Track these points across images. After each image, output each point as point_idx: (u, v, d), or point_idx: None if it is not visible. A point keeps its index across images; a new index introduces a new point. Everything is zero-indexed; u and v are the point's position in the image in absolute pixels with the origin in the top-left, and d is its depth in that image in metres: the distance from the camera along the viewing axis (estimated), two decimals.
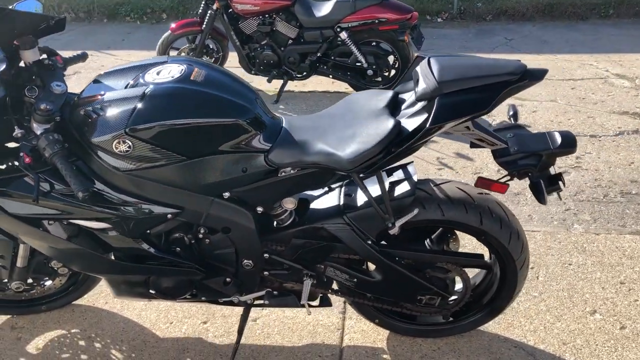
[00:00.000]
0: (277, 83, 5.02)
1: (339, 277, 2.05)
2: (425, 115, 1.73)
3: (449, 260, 2.04)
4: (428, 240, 2.11)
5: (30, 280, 2.27)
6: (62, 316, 2.45)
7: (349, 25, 4.61)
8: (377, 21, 4.55)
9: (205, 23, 4.97)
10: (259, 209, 1.93)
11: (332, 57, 4.83)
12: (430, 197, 1.96)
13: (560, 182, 1.90)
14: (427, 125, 1.70)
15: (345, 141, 1.80)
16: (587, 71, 5.51)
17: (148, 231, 1.92)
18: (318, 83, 5.30)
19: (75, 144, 1.80)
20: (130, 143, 1.70)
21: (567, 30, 7.09)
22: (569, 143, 1.83)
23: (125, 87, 1.81)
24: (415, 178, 1.98)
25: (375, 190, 1.92)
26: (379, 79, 4.84)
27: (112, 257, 1.95)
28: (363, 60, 4.70)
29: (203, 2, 4.95)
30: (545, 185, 1.87)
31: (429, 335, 2.29)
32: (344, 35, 4.62)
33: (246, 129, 1.79)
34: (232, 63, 5.25)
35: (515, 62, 1.75)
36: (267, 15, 4.75)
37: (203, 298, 2.09)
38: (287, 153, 1.83)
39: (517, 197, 3.36)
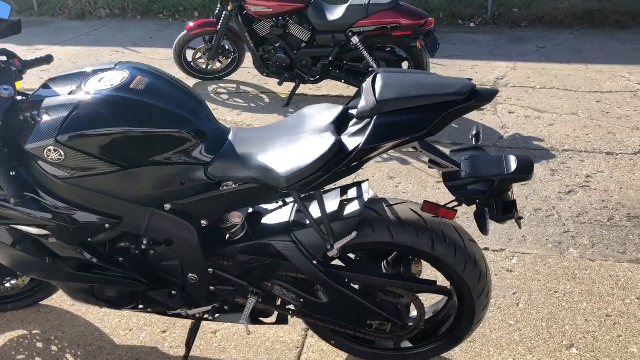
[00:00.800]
0: (291, 86, 4.96)
1: (286, 296, 1.98)
2: (363, 135, 1.65)
3: (398, 285, 1.94)
4: (385, 262, 2.02)
5: None
6: (27, 316, 2.46)
7: (361, 30, 4.51)
8: (389, 26, 4.44)
9: (220, 24, 4.97)
10: (203, 223, 1.88)
11: (345, 62, 4.74)
12: (380, 219, 1.86)
13: (515, 211, 1.78)
14: (360, 146, 1.61)
15: (285, 157, 1.73)
16: (618, 84, 5.25)
17: (89, 239, 1.90)
18: (333, 87, 5.22)
19: (18, 149, 1.79)
20: (61, 152, 1.68)
21: (606, 39, 6.77)
22: (523, 169, 1.71)
23: (69, 94, 1.79)
24: (366, 197, 1.89)
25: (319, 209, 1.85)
26: None
27: (56, 264, 1.93)
28: (375, 66, 4.59)
29: (219, 3, 4.95)
30: (497, 213, 1.76)
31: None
32: (355, 39, 4.52)
33: (184, 140, 1.74)
34: (249, 64, 5.23)
35: (463, 81, 1.64)
36: (280, 18, 4.71)
37: (149, 310, 2.05)
38: (228, 167, 1.77)
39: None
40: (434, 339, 2.13)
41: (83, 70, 1.89)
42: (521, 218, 1.87)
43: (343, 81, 4.83)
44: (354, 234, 1.79)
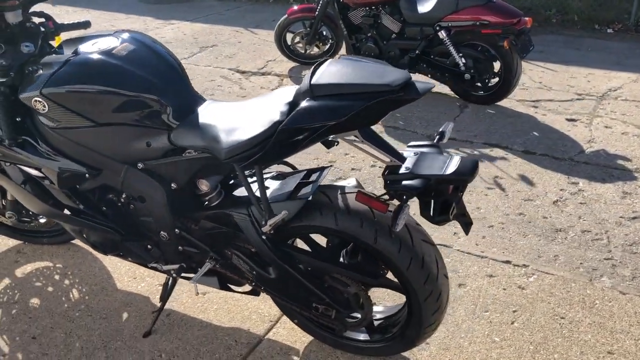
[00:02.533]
0: None
1: (242, 266, 2.06)
2: None
3: (342, 273, 1.93)
4: (344, 251, 2.01)
5: (24, 213, 2.63)
6: (57, 251, 2.79)
7: (449, 25, 4.38)
8: (477, 23, 4.26)
9: (318, 10, 5.09)
10: (173, 185, 2.01)
11: (432, 56, 4.64)
12: (329, 204, 1.87)
13: (458, 215, 1.70)
14: (279, 127, 1.63)
15: (233, 131, 1.80)
16: None
17: (78, 187, 2.12)
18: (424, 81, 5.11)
19: None
20: (45, 103, 1.90)
21: None
22: (462, 171, 1.63)
23: (68, 54, 2.01)
24: (320, 182, 1.90)
25: (274, 185, 1.90)
26: (479, 84, 4.54)
27: (52, 205, 2.18)
28: (461, 63, 4.44)
29: None
30: (432, 213, 1.69)
31: (344, 348, 2.19)
32: (442, 34, 4.41)
33: (151, 104, 1.88)
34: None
35: (399, 72, 1.60)
36: (373, 7, 4.71)
37: (129, 259, 2.24)
38: (188, 135, 1.88)
39: (557, 234, 2.98)
40: (389, 337, 2.09)
41: (88, 35, 2.10)
42: (470, 223, 1.77)
43: (429, 76, 4.73)
44: (284, 213, 1.82)
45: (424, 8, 4.49)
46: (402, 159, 1.73)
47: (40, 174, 2.12)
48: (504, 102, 4.67)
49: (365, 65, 1.68)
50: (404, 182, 1.66)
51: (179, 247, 2.12)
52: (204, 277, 2.18)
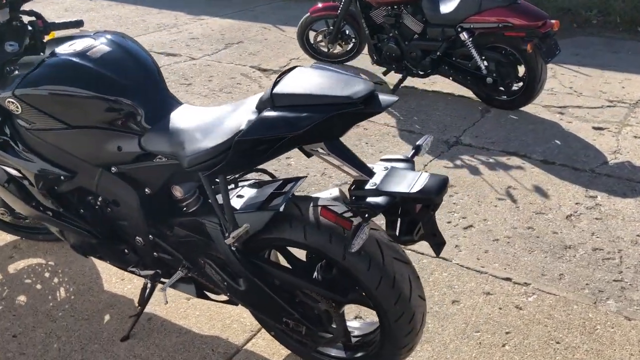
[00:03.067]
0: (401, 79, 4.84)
1: (214, 276, 2.01)
2: None
3: (309, 288, 1.85)
4: (319, 266, 1.94)
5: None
6: (51, 248, 2.81)
7: (472, 26, 4.23)
8: (500, 25, 4.10)
9: (340, 8, 5.00)
10: (147, 191, 1.97)
11: (454, 58, 4.49)
12: (299, 217, 1.80)
13: (428, 235, 1.61)
14: (236, 138, 1.56)
15: (200, 138, 1.75)
16: None
17: (55, 188, 2.10)
18: (448, 84, 4.97)
19: None
20: (17, 105, 1.89)
21: None
22: (428, 190, 1.53)
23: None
24: (292, 193, 1.83)
25: (248, 193, 1.84)
26: (502, 89, 4.37)
27: (33, 207, 2.18)
28: (482, 66, 4.29)
29: None
30: (397, 232, 1.60)
31: None
32: (464, 36, 4.26)
33: (121, 108, 1.84)
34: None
35: (363, 84, 1.51)
36: (395, 7, 4.59)
37: (108, 262, 2.22)
38: (156, 140, 1.84)
39: (565, 251, 2.82)
40: (364, 355, 2.00)
41: (70, 35, 2.07)
42: (442, 244, 1.67)
43: (451, 78, 4.59)
44: (245, 226, 1.75)
45: (446, 8, 4.35)
46: (371, 173, 1.64)
47: (20, 175, 2.12)
48: (529, 108, 4.48)
49: (331, 75, 1.60)
50: (368, 199, 1.58)
51: (154, 254, 2.08)
52: (181, 284, 2.15)
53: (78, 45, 1.93)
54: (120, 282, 2.58)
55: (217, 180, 1.77)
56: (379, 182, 1.60)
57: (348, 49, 5.36)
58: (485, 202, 3.24)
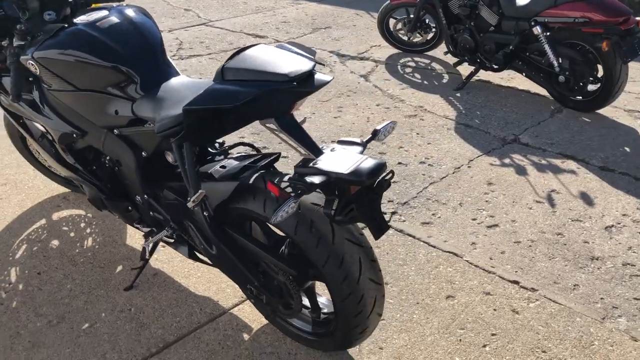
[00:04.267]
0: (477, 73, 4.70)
1: (195, 239, 2.13)
2: None
3: (269, 260, 1.92)
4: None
5: None
6: None
7: (546, 20, 4.02)
8: (575, 20, 3.85)
9: None
10: (143, 153, 2.14)
11: (527, 54, 4.29)
12: (263, 191, 1.87)
13: (366, 219, 1.62)
14: (183, 107, 1.66)
15: (172, 106, 1.87)
16: None
17: (72, 145, 2.33)
18: (526, 80, 4.74)
19: None
20: (36, 67, 2.12)
21: None
22: (359, 173, 1.55)
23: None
24: (261, 166, 1.91)
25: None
26: (576, 88, 4.11)
27: (57, 160, 2.43)
28: (555, 63, 4.06)
29: None
30: (333, 213, 1.62)
31: (287, 334, 2.18)
32: (537, 30, 4.05)
33: (118, 74, 2.01)
34: None
35: (303, 63, 1.55)
36: None
37: (117, 216, 2.43)
38: (144, 107, 1.99)
39: (590, 262, 2.66)
40: (324, 332, 2.05)
41: (95, 8, 2.28)
42: (382, 229, 1.67)
43: (524, 74, 4.39)
44: (201, 191, 1.84)
45: (521, 1, 4.16)
46: (319, 153, 1.68)
47: (41, 129, 2.38)
48: (608, 111, 4.19)
49: (282, 53, 1.65)
50: (306, 177, 1.62)
51: (150, 212, 2.25)
52: (177, 244, 2.30)
53: (92, 16, 2.13)
54: (141, 237, 2.80)
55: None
56: (320, 161, 1.63)
57: (428, 38, 5.28)
58: (521, 203, 3.11)
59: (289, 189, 1.73)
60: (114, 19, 2.11)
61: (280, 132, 1.71)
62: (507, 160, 3.54)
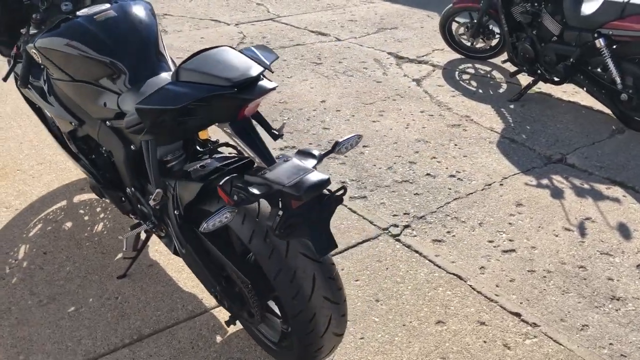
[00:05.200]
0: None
1: (171, 236, 2.13)
2: None
3: (228, 266, 1.88)
4: None
5: None
6: None
7: (611, 33, 3.71)
8: None
9: (482, 1, 4.70)
10: (132, 147, 2.17)
11: (589, 67, 3.98)
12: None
13: (304, 234, 1.55)
14: (135, 105, 1.64)
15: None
16: None
17: (74, 132, 2.40)
18: (589, 95, 4.42)
19: None
20: (38, 56, 2.19)
21: None
22: (297, 186, 1.48)
23: None
24: (228, 170, 1.87)
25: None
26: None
27: (64, 148, 2.51)
28: (618, 80, 3.74)
29: None
30: (275, 225, 1.55)
31: (256, 341, 2.13)
32: (600, 42, 3.75)
33: (107, 68, 2.03)
34: None
35: (249, 69, 1.50)
36: (535, 4, 4.19)
37: (113, 205, 2.48)
38: (126, 101, 2.00)
39: (609, 302, 2.42)
40: (286, 345, 1.99)
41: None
42: (327, 248, 1.58)
43: (585, 89, 4.08)
44: (158, 190, 1.82)
45: (586, 10, 3.86)
46: (271, 162, 1.62)
47: (48, 115, 2.46)
48: None
49: (238, 57, 1.60)
50: (250, 186, 1.56)
51: (138, 205, 2.28)
52: (166, 239, 2.31)
53: (93, 9, 2.17)
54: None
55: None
56: (268, 171, 1.57)
57: (492, 44, 5.03)
58: (547, 229, 2.88)
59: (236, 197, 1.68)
60: (112, 12, 2.14)
61: (234, 137, 1.66)
62: (544, 181, 3.30)
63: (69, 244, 2.73)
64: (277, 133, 1.99)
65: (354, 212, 3.00)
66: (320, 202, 1.57)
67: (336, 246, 1.62)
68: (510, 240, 2.80)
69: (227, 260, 1.88)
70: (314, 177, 1.49)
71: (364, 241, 2.78)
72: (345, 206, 3.04)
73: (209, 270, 1.95)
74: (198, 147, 2.16)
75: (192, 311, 2.34)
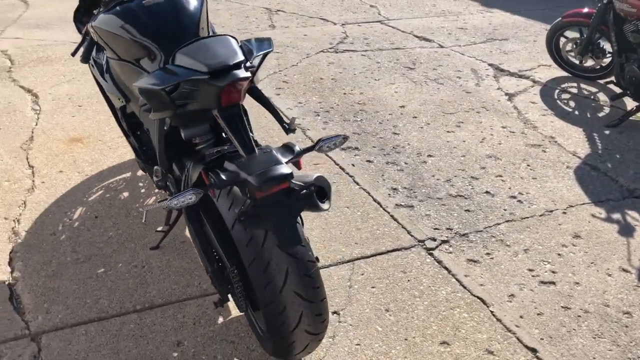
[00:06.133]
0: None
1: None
2: None
3: (217, 249, 1.92)
4: None
5: None
6: None
7: None
8: None
9: (593, 17, 4.37)
10: (165, 127, 2.29)
11: None
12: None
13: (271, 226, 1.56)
14: (133, 84, 1.72)
15: None
16: None
17: (122, 107, 2.56)
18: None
19: None
20: (95, 34, 2.38)
21: None
22: (256, 177, 1.50)
23: None
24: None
25: None
26: None
27: (118, 124, 2.71)
28: None
29: None
30: (243, 212, 1.57)
31: (251, 328, 2.16)
32: None
33: (146, 50, 2.16)
34: None
35: (227, 57, 1.53)
36: None
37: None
38: (149, 80, 2.11)
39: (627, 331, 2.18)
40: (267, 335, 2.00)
41: None
42: (288, 243, 1.58)
43: None
44: (156, 167, 1.90)
45: None
46: (251, 151, 1.65)
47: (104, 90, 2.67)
48: None
49: (228, 45, 1.66)
50: (222, 173, 1.60)
51: (167, 183, 2.40)
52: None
53: None
54: None
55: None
56: (243, 159, 1.60)
57: (603, 64, 4.65)
58: (600, 267, 2.63)
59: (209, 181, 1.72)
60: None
61: (220, 123, 1.70)
62: (615, 216, 3.00)
63: (119, 212, 2.94)
64: (287, 127, 2.01)
65: (395, 219, 2.94)
66: (288, 196, 1.56)
67: (301, 242, 1.61)
68: (552, 272, 2.59)
69: (217, 243, 1.93)
70: (277, 170, 1.49)
71: (394, 250, 2.71)
72: (388, 212, 2.98)
73: (204, 252, 2.01)
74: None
75: (205, 290, 2.43)
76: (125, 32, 2.20)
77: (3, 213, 2.90)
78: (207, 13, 2.35)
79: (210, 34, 2.37)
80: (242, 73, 1.61)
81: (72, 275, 2.49)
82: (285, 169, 1.51)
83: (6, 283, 2.44)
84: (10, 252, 2.62)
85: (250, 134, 1.76)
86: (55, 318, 2.27)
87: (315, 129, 3.87)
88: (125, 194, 3.09)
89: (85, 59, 2.50)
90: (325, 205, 1.97)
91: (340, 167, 3.40)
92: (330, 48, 5.46)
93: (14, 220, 2.84)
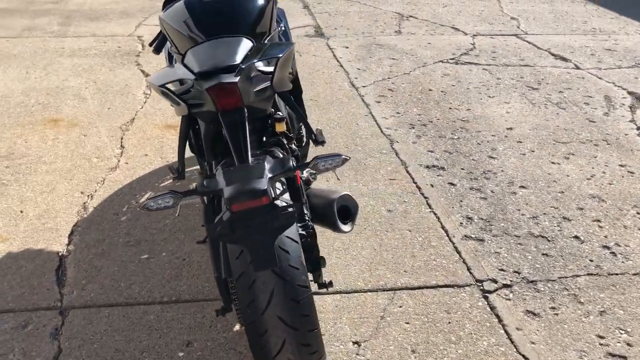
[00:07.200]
0: None
1: None
2: None
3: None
4: None
5: None
6: None
7: None
8: None
9: None
10: (211, 126, 2.27)
11: None
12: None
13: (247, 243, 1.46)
14: (145, 78, 1.69)
15: None
16: None
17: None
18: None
19: None
20: (161, 25, 2.41)
21: None
22: (229, 190, 1.40)
23: None
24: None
25: None
26: None
27: None
28: None
29: None
30: (218, 222, 1.49)
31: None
32: None
33: (187, 40, 2.14)
34: None
35: (221, 59, 1.44)
36: None
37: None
38: (155, 74, 2.08)
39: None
40: None
41: None
42: (265, 261, 1.46)
43: None
44: (171, 164, 1.84)
45: None
46: (245, 160, 1.55)
47: None
48: None
49: (235, 47, 1.59)
50: (206, 180, 1.52)
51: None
52: None
53: None
54: None
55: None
56: (231, 169, 1.52)
57: None
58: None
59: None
60: None
61: (222, 126, 1.62)
62: None
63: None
64: (314, 139, 1.88)
65: (458, 252, 2.67)
66: (269, 213, 1.44)
67: (276, 265, 1.48)
68: (627, 345, 2.19)
69: (219, 250, 1.86)
70: (252, 185, 1.38)
71: (445, 285, 2.47)
72: (452, 243, 2.73)
73: (213, 258, 1.95)
74: (265, 138, 2.15)
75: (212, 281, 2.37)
76: (181, 24, 2.20)
77: (81, 187, 3.08)
78: (271, 13, 2.27)
79: (276, 36, 2.29)
80: (227, 77, 1.52)
81: (118, 257, 2.57)
82: (261, 184, 1.39)
83: (59, 254, 2.58)
84: (74, 225, 2.77)
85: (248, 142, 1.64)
86: (88, 296, 2.35)
87: (405, 142, 3.67)
88: (195, 185, 3.13)
89: (157, 50, 2.55)
90: (346, 227, 1.83)
91: (417, 186, 3.18)
92: (451, 59, 5.17)
93: (87, 196, 3.00)
